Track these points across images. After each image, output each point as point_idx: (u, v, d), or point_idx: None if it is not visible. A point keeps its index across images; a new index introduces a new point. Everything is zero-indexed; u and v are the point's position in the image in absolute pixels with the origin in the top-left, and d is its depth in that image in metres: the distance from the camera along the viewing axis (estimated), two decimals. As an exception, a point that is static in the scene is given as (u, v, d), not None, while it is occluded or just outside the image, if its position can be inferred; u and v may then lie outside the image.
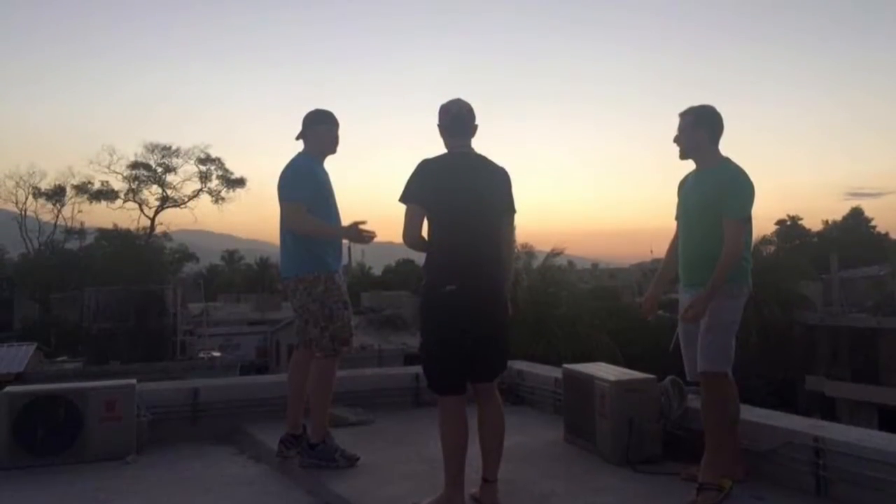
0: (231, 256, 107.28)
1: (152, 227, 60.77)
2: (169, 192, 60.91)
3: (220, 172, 62.05)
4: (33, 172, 59.27)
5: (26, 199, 58.77)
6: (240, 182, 62.68)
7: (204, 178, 61.55)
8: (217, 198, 62.04)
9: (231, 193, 62.42)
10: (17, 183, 58.70)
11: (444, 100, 5.35)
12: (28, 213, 59.19)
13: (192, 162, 60.93)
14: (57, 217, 59.93)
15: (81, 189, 58.71)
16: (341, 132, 6.32)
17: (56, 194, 58.96)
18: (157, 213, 61.04)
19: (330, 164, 6.34)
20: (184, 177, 61.28)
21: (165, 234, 62.86)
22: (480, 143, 5.30)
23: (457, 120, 5.23)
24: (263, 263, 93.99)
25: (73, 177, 59.80)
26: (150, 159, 60.18)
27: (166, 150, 60.30)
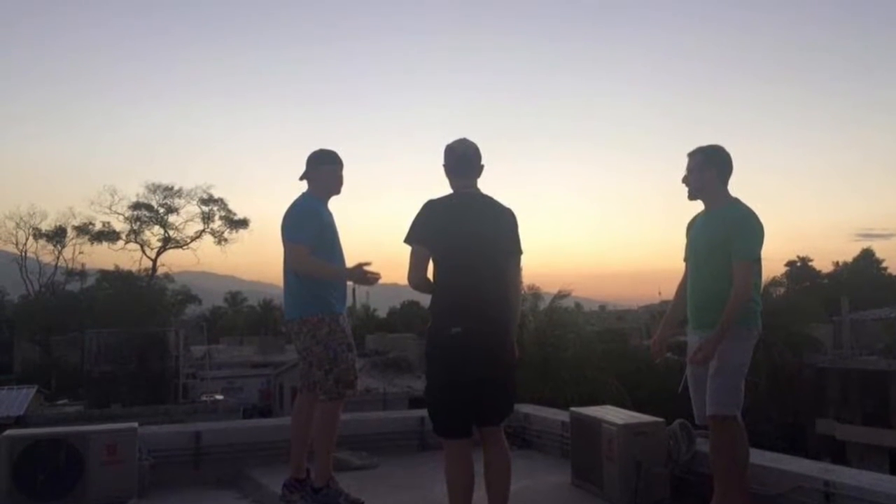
0: (234, 298, 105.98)
1: (154, 268, 60.67)
2: (171, 232, 60.89)
3: (222, 213, 61.99)
4: (34, 213, 59.05)
5: (27, 240, 58.73)
6: (243, 223, 62.56)
7: (206, 218, 61.52)
8: (220, 239, 61.99)
9: (234, 234, 62.30)
10: (17, 224, 58.58)
11: (450, 139, 5.37)
12: (28, 254, 59.13)
13: (194, 202, 60.87)
14: (58, 258, 59.87)
15: (82, 230, 58.62)
16: (346, 172, 6.33)
17: (57, 235, 58.79)
18: (159, 254, 61.00)
19: (334, 204, 6.35)
20: (186, 217, 61.23)
21: (168, 276, 62.54)
22: (487, 184, 5.31)
23: (462, 160, 5.24)
24: (267, 305, 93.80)
25: (74, 217, 59.75)
26: (151, 200, 60.14)
27: (168, 191, 60.26)
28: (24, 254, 58.81)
